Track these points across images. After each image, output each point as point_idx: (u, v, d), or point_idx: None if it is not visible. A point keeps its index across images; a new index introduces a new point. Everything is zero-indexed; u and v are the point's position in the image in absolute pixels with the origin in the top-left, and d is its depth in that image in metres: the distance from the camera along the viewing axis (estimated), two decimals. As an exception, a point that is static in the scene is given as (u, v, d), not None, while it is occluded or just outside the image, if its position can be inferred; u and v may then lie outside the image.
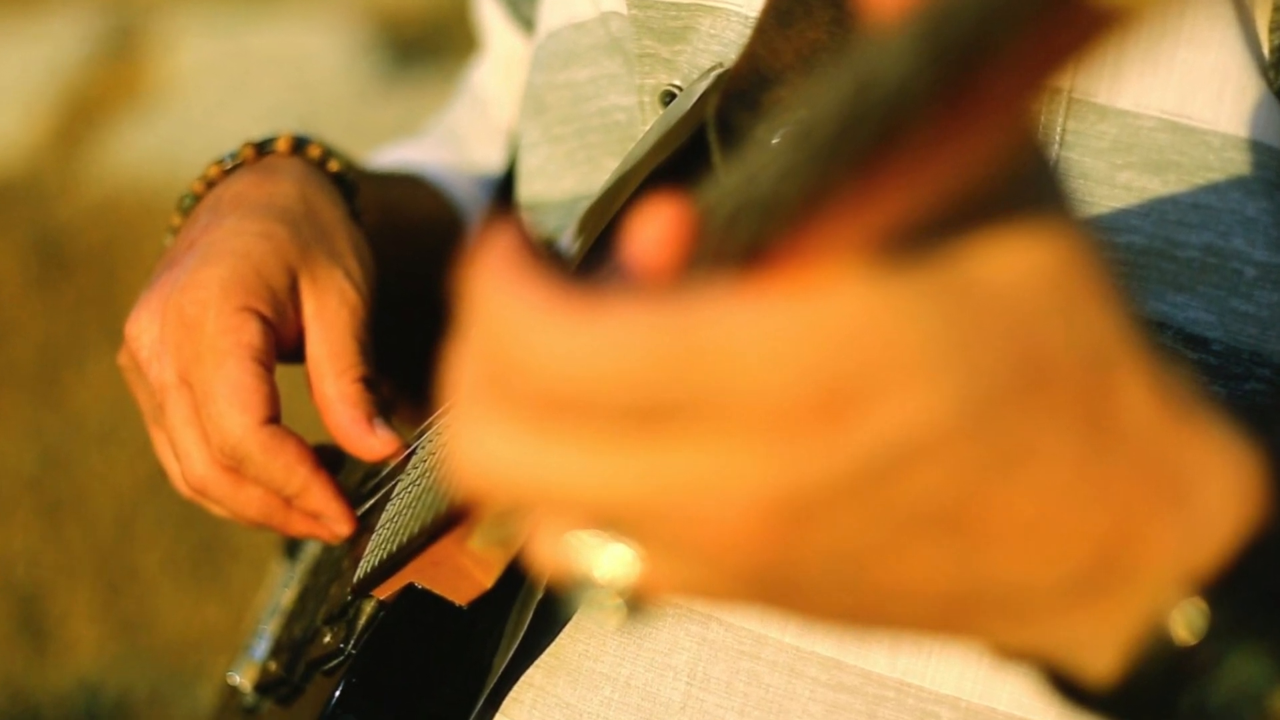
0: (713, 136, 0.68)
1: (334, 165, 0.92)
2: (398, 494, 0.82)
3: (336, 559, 0.90)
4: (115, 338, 0.86)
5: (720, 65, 0.75)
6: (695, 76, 0.78)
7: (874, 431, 0.39)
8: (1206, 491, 0.42)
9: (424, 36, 4.07)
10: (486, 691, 0.75)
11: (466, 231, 1.05)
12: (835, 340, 0.39)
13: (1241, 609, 0.42)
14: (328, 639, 0.81)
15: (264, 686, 0.92)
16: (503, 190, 1.08)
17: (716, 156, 0.66)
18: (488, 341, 0.41)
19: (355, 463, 0.88)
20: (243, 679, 0.94)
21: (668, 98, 0.81)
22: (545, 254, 0.42)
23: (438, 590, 0.75)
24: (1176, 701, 0.42)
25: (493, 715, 0.76)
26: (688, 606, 0.74)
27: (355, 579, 0.81)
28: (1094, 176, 0.70)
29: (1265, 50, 0.68)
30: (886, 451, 0.39)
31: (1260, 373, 0.70)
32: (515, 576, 0.73)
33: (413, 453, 0.84)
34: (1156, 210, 0.70)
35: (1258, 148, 0.69)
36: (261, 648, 0.95)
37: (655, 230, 0.41)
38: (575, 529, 0.42)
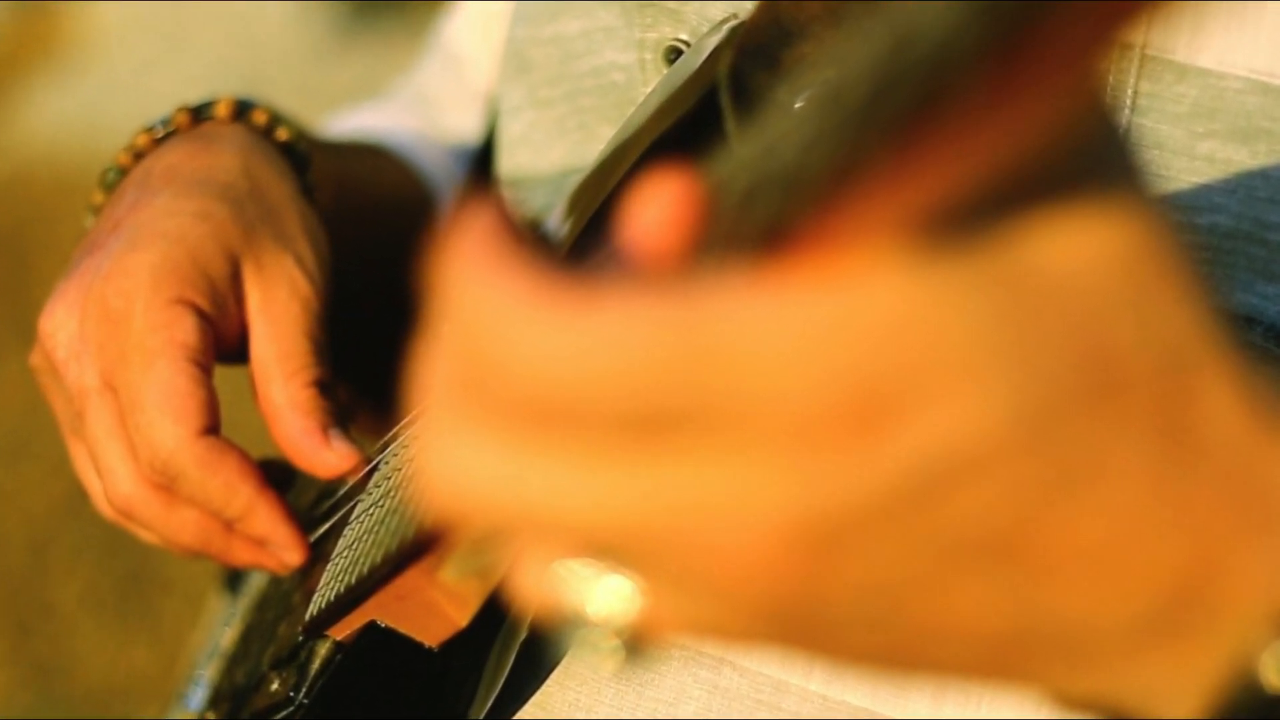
0: (725, 100, 0.67)
1: (283, 134, 0.92)
2: (357, 517, 0.82)
3: (286, 593, 0.90)
4: (27, 335, 0.86)
5: (734, 16, 0.75)
6: (705, 29, 0.78)
7: (914, 444, 0.39)
8: (1302, 515, 0.43)
9: (388, -16, 4.07)
10: (461, 748, 0.75)
11: (438, 210, 1.06)
12: (869, 338, 0.39)
13: (1343, 651, 0.42)
14: (275, 686, 0.81)
15: (201, 742, 0.92)
16: (480, 163, 1.08)
17: (730, 123, 0.66)
18: (463, 339, 0.41)
19: (308, 480, 0.88)
20: (176, 733, 0.94)
21: (673, 54, 0.81)
22: (530, 237, 0.42)
23: (404, 629, 0.75)
24: (1267, 759, 0.43)
25: (468, 775, 0.76)
26: (696, 648, 0.74)
27: (307, 616, 0.81)
28: (1171, 146, 0.71)
29: (1371, 0, 0.68)
30: (929, 468, 0.39)
31: (1364, 376, 0.70)
32: (494, 613, 0.73)
33: (375, 469, 0.84)
34: (1244, 186, 0.70)
35: (1361, 113, 0.69)
36: (198, 696, 0.95)
37: (658, 209, 0.41)
38: (565, 558, 0.42)
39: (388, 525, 0.76)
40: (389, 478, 0.81)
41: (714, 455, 0.39)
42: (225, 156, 0.89)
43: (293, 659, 0.82)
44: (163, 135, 0.92)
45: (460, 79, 1.10)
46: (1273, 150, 0.69)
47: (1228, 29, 0.69)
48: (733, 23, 0.73)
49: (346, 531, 0.83)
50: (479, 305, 0.41)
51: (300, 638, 0.81)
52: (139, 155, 0.92)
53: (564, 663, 0.76)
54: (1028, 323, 0.40)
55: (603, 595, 0.42)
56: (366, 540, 0.78)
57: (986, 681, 0.44)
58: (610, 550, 0.42)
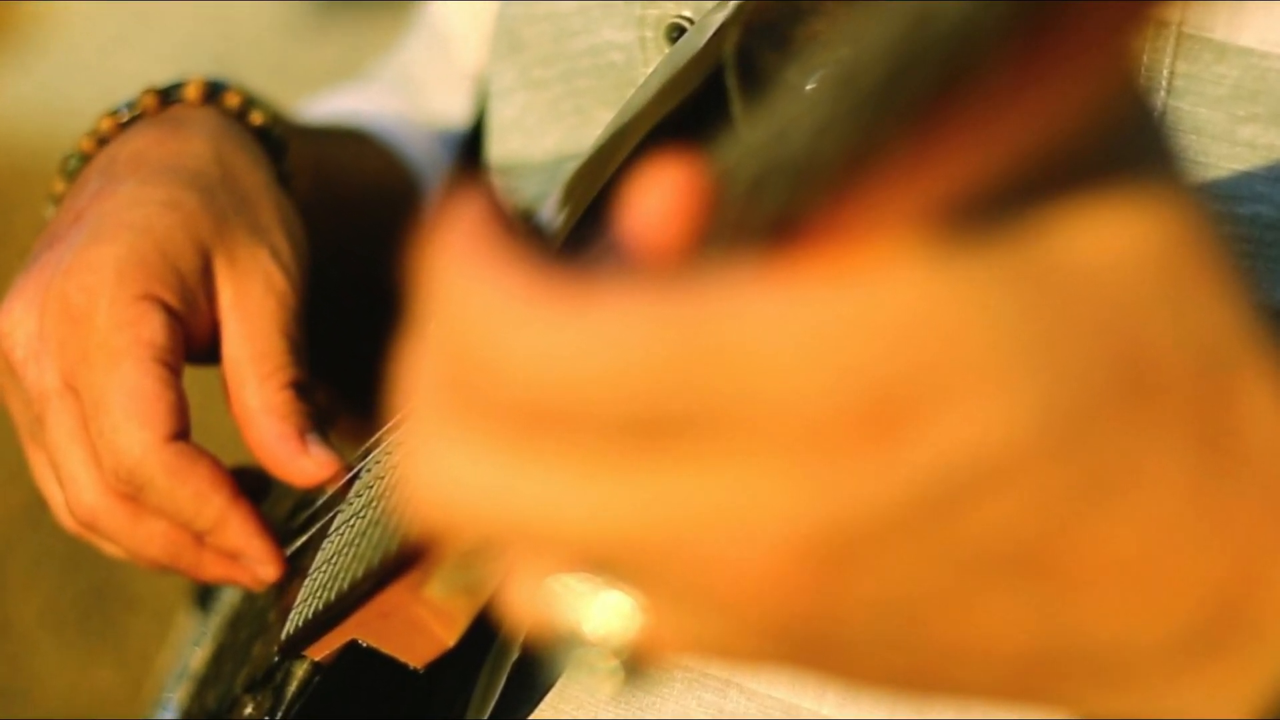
0: (732, 81, 0.67)
1: (257, 118, 0.92)
2: (337, 529, 0.82)
3: (260, 610, 0.90)
4: (-17, 333, 0.86)
5: (741, -9, 0.75)
6: (710, 6, 0.78)
7: (934, 451, 0.39)
8: (1350, 525, 0.43)
9: (369, -44, 4.07)
10: (448, 776, 0.75)
11: (424, 199, 1.06)
12: (886, 336, 0.39)
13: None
14: (249, 709, 0.82)
15: (169, 769, 0.92)
16: (470, 148, 1.08)
17: (737, 107, 0.66)
18: (451, 338, 0.41)
19: (284, 490, 0.88)
20: (143, 760, 0.94)
21: (675, 32, 0.81)
22: (522, 228, 0.42)
23: (387, 649, 0.75)
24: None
25: (456, 806, 0.76)
26: (701, 669, 0.74)
27: (284, 635, 0.81)
28: (1210, 131, 0.70)
29: None
30: (950, 476, 0.39)
31: None
32: (484, 632, 0.73)
33: (356, 477, 0.84)
34: (1287, 174, 0.70)
35: None
36: (166, 721, 0.95)
37: (659, 199, 0.41)
38: (560, 572, 0.42)
39: (370, 538, 0.76)
40: (371, 486, 0.81)
41: (719, 462, 0.39)
42: (195, 142, 0.89)
43: (268, 681, 0.82)
44: (128, 119, 0.92)
45: (447, 59, 1.10)
46: (1319, 135, 0.70)
47: (1270, 5, 0.69)
48: (740, -2, 0.73)
49: (325, 544, 0.83)
50: (468, 301, 0.41)
51: (276, 658, 0.81)
52: (103, 141, 0.92)
53: (559, 685, 0.76)
54: (1056, 320, 0.40)
55: (600, 612, 0.42)
56: (347, 554, 0.78)
57: (1012, 703, 0.44)
58: (608, 564, 0.42)
